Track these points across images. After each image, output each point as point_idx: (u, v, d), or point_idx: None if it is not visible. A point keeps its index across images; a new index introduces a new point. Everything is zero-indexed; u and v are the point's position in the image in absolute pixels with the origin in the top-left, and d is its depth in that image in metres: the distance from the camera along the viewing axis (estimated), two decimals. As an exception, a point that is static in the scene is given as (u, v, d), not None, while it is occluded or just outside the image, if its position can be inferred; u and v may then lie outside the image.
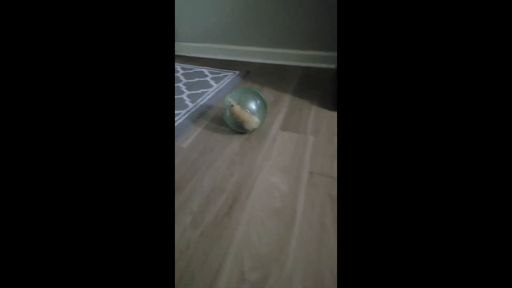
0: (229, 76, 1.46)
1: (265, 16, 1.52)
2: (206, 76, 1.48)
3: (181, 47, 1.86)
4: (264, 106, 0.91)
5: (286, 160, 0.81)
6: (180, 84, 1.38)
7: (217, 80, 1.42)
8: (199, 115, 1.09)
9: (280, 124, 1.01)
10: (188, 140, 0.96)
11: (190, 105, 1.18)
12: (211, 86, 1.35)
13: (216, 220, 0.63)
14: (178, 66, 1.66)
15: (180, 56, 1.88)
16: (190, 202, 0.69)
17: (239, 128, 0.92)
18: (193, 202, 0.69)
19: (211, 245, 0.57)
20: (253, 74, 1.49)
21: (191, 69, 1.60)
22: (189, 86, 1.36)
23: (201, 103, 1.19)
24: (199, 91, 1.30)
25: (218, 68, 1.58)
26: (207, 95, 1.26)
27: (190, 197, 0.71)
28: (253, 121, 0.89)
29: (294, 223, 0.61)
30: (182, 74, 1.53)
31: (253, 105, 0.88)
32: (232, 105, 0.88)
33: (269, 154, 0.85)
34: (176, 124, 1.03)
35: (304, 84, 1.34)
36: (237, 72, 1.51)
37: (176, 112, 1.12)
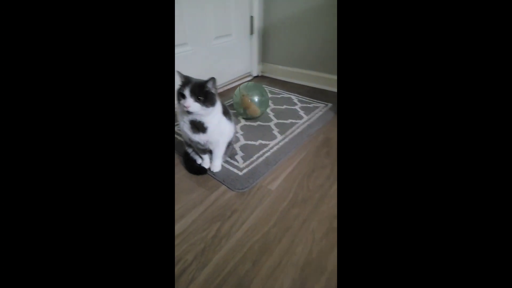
0: (321, 109, 1.33)
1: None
2: (295, 104, 1.38)
3: (270, 69, 1.83)
4: (266, 101, 1.21)
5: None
6: (267, 110, 1.31)
7: (307, 111, 1.30)
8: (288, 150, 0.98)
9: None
10: (277, 180, 0.85)
11: (279, 136, 1.08)
12: (301, 117, 1.24)
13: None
14: (292, 96, 1.61)
15: (267, 78, 1.85)
16: (280, 274, 0.56)
17: (243, 114, 1.21)
18: (285, 276, 0.56)
19: None
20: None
21: (278, 93, 1.53)
22: (277, 114, 1.28)
23: (291, 135, 1.08)
24: (288, 121, 1.20)
25: (308, 97, 1.47)
26: (297, 128, 1.15)
27: (279, 267, 0.58)
28: (255, 110, 1.18)
29: None
30: (270, 98, 1.47)
31: (256, 98, 1.16)
32: (243, 95, 1.16)
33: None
34: (263, 157, 0.94)
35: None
36: (330, 105, 1.36)
37: (262, 142, 1.04)
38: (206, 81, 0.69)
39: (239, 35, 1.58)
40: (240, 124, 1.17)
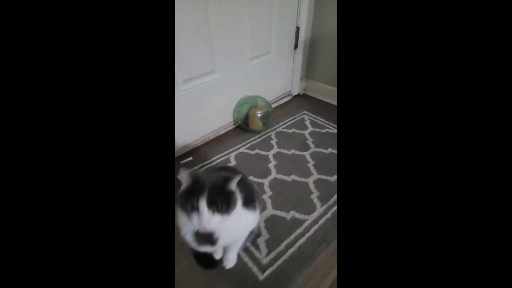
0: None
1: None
2: (343, 148, 1.09)
3: (314, 87, 1.53)
4: (269, 116, 1.21)
5: None
6: (306, 154, 1.05)
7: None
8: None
9: None
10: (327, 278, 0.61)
11: (319, 206, 0.82)
12: (350, 173, 0.96)
13: None
14: (305, 116, 1.33)
15: (309, 98, 1.56)
16: None
17: (244, 124, 1.21)
18: None
19: None
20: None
21: (322, 126, 1.24)
22: (318, 162, 1.01)
23: (336, 207, 0.81)
24: (333, 179, 0.93)
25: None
26: (344, 192, 0.87)
27: None
28: (258, 124, 1.18)
29: None
30: (310, 132, 1.19)
31: (259, 113, 1.17)
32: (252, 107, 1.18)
33: None
34: (295, 247, 0.70)
35: None
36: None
37: (296, 216, 0.79)
38: (229, 179, 0.45)
39: (280, 51, 1.31)
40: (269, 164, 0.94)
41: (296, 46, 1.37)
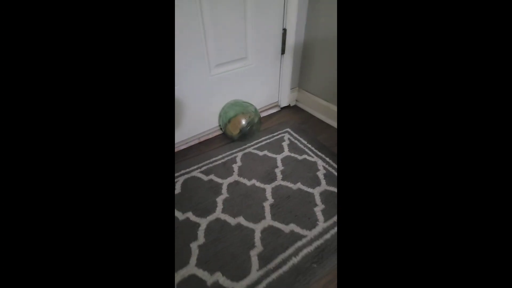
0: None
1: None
2: (316, 183, 0.87)
3: (307, 99, 1.31)
4: (253, 128, 1.07)
5: None
6: (267, 188, 0.85)
7: (328, 207, 0.79)
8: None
9: None
10: None
11: (254, 269, 0.63)
12: (314, 223, 0.75)
13: None
14: (287, 134, 1.12)
15: (300, 112, 1.34)
16: None
17: (223, 126, 1.10)
18: None
19: None
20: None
21: (300, 151, 1.03)
22: (277, 201, 0.81)
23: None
24: (287, 228, 0.73)
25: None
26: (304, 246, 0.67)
27: None
28: (234, 132, 1.06)
29: None
30: (284, 158, 0.99)
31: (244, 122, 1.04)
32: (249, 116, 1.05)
33: None
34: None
35: None
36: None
37: (225, 282, 0.61)
38: None
39: (260, 57, 1.11)
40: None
41: (283, 51, 1.16)
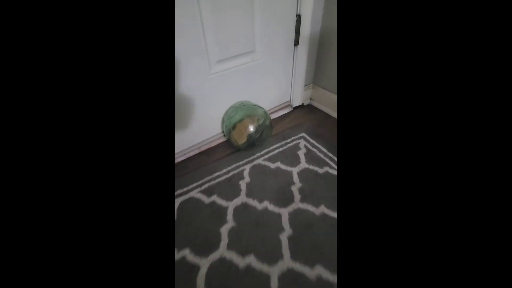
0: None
1: None
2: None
3: (322, 96, 1.12)
4: (264, 135, 0.89)
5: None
6: (283, 213, 0.69)
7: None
8: None
9: None
10: None
11: None
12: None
13: None
14: (302, 141, 0.95)
15: (316, 111, 1.16)
16: None
17: (227, 133, 0.91)
18: None
19: None
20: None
21: (321, 162, 0.85)
22: (297, 233, 0.64)
23: None
24: (313, 273, 0.56)
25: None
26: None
27: None
28: (240, 140, 0.88)
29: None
30: (301, 171, 0.82)
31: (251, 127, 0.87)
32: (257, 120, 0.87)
33: None
34: None
35: None
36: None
37: None
38: None
39: (271, 49, 0.92)
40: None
41: (297, 42, 0.98)
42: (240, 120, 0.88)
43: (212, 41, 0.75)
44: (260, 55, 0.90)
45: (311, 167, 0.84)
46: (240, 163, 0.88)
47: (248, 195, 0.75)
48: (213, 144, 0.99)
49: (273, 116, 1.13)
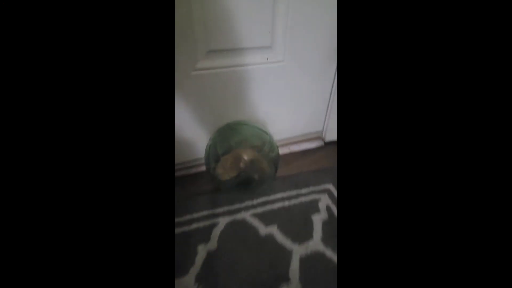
0: None
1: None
2: None
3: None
4: (265, 175, 0.58)
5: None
6: None
7: None
8: None
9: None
10: None
11: None
12: None
13: None
14: (325, 195, 0.59)
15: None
16: None
17: (212, 163, 0.57)
18: None
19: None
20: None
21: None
22: None
23: None
24: None
25: None
26: None
27: None
28: (226, 174, 0.56)
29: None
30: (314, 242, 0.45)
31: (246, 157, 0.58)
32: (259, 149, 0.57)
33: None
34: None
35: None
36: None
37: None
38: None
39: (301, 55, 0.62)
40: None
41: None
42: (232, 148, 0.57)
43: (201, 15, 0.48)
44: (281, 56, 0.60)
45: (328, 252, 0.47)
46: (216, 211, 0.55)
47: (198, 279, 0.42)
48: (188, 172, 0.69)
49: (292, 148, 0.80)
